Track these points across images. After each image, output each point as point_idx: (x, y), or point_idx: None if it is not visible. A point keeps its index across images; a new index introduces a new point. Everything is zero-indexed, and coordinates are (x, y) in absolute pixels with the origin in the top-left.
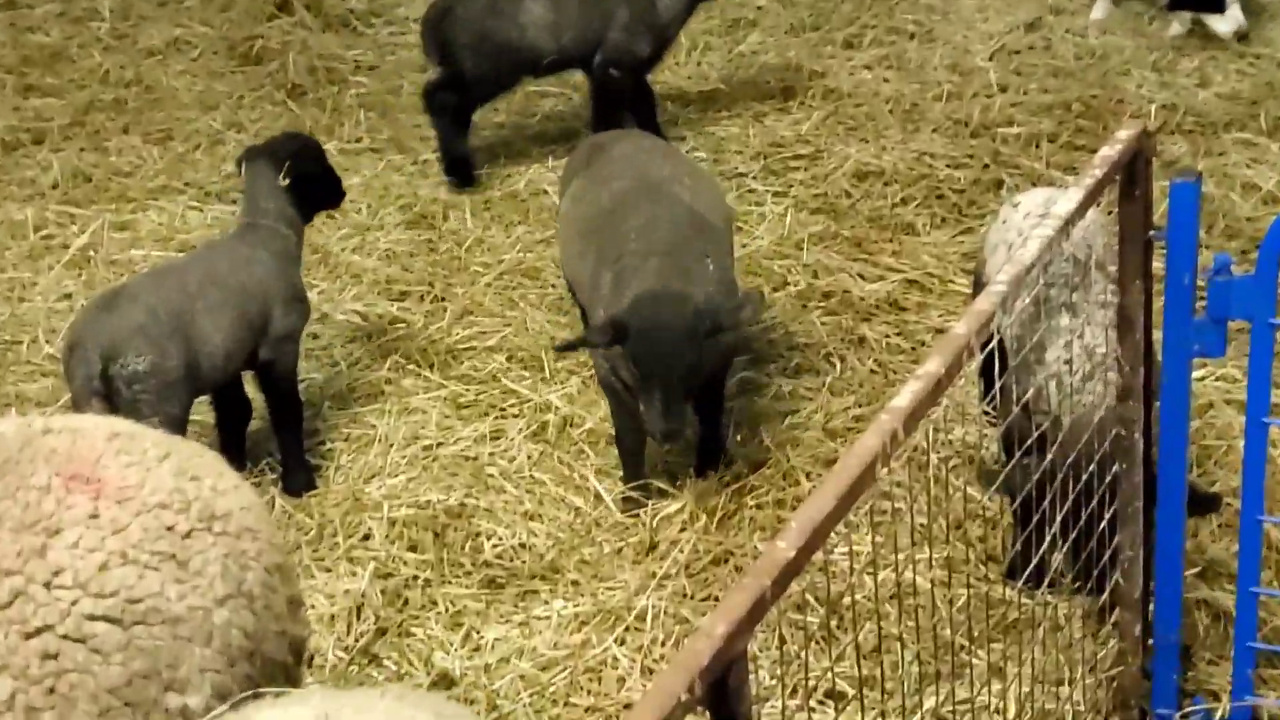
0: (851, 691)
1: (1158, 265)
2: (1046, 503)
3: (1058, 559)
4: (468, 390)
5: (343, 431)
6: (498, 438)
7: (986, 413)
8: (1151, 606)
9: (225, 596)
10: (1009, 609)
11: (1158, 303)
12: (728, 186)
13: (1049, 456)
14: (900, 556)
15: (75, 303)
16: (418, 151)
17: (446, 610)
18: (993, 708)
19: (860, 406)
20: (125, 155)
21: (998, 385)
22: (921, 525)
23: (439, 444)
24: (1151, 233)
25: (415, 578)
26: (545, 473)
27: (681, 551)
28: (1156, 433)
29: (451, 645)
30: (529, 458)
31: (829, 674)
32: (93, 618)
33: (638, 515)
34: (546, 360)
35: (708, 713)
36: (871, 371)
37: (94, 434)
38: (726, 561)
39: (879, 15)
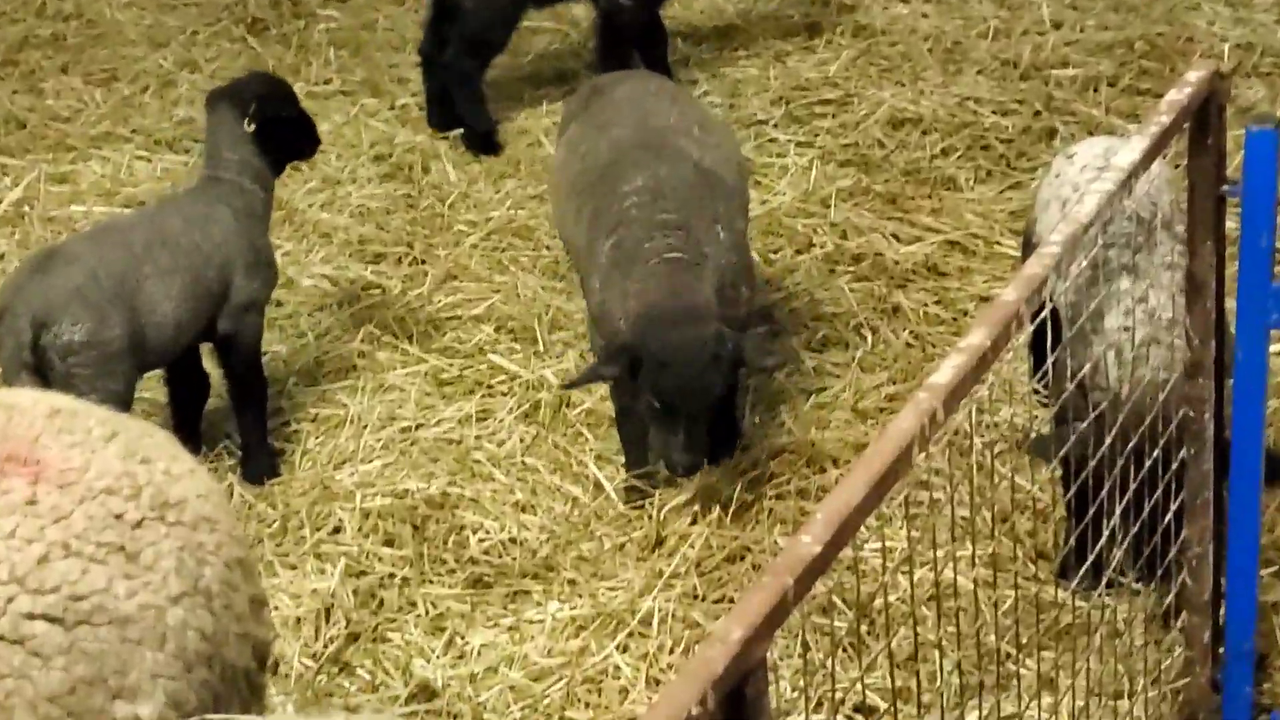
0: (884, 705)
1: (1231, 224)
2: (1104, 492)
3: (1117, 556)
4: (451, 365)
5: (310, 411)
6: (485, 419)
7: (1037, 391)
8: (1223, 610)
9: (180, 594)
10: (1061, 612)
11: (1231, 267)
12: (745, 135)
13: (1107, 440)
14: (939, 553)
15: (7, 265)
16: (394, 94)
17: (427, 613)
18: None
19: (894, 384)
20: (64, 98)
21: (1050, 360)
22: (963, 518)
23: (418, 425)
24: (1225, 188)
25: (391, 576)
26: (538, 458)
27: (692, 547)
28: (1229, 414)
29: (433, 652)
30: (520, 441)
31: (858, 685)
32: (31, 616)
33: (643, 507)
34: (540, 331)
35: None
36: (907, 345)
37: (32, 410)
38: (743, 559)
39: None
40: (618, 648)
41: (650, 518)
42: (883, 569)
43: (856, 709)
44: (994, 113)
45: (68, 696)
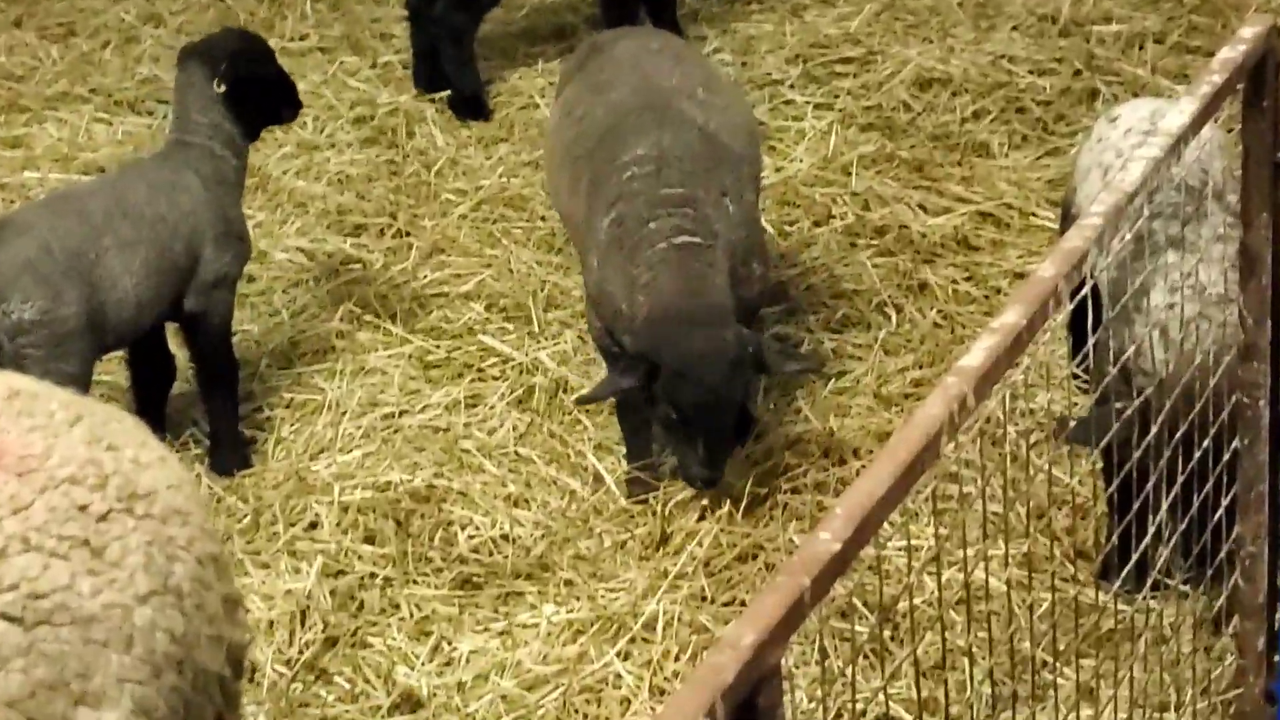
0: (909, 717)
1: None
2: (1149, 485)
3: (1163, 555)
4: (437, 346)
5: (284, 397)
6: (474, 405)
7: (1077, 375)
8: (1279, 615)
9: (149, 592)
10: (1102, 617)
11: None
12: (758, 97)
13: (1153, 429)
14: (969, 552)
15: None
16: (376, 51)
17: (411, 616)
18: None
19: (921, 368)
20: (17, 55)
21: (1090, 341)
22: (995, 514)
23: (402, 412)
24: None
25: (373, 576)
26: (533, 448)
27: (700, 545)
28: None
29: (417, 659)
30: (513, 429)
31: (880, 696)
32: None
33: (646, 501)
34: (534, 310)
35: None
36: (935, 325)
37: None
38: (755, 558)
39: None
40: (619, 654)
41: (654, 513)
42: (908, 569)
43: None
44: (1030, 72)
45: (26, 701)
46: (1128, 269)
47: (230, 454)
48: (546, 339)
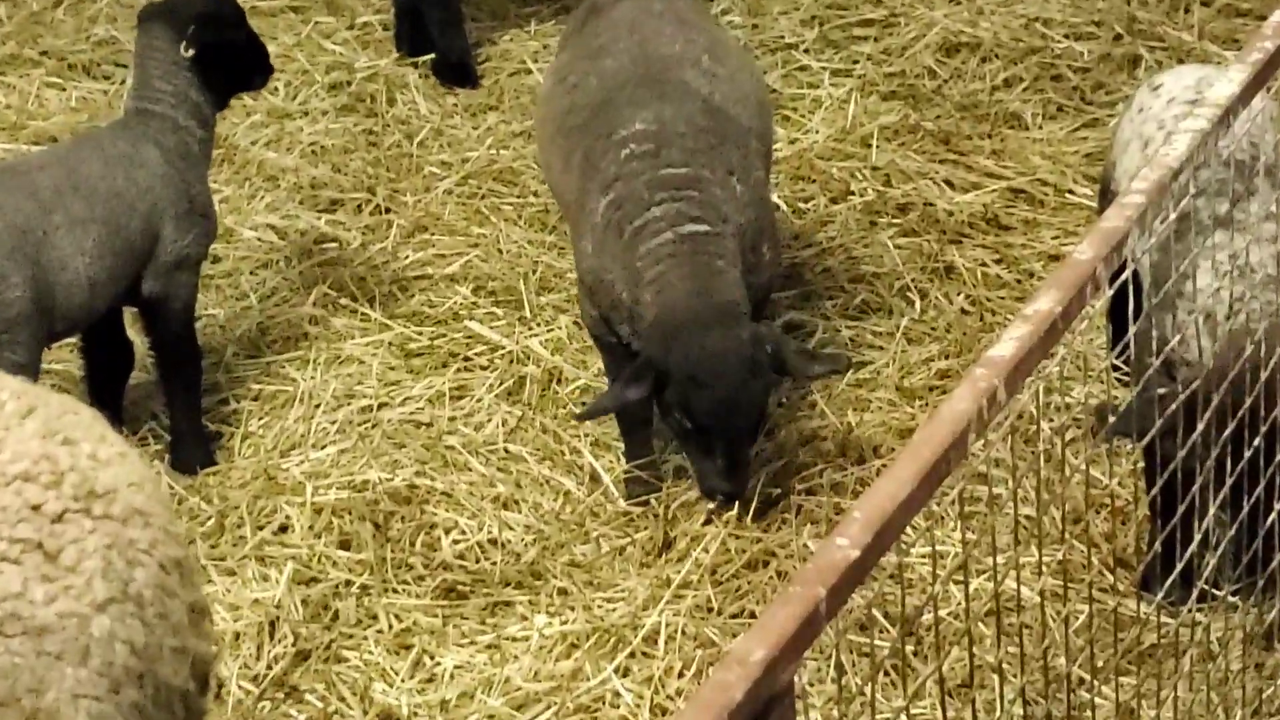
0: None
1: None
2: (1195, 487)
3: (1210, 563)
4: (420, 333)
5: (252, 388)
6: (460, 397)
7: (1117, 367)
8: None
9: (107, 600)
10: (1144, 631)
11: None
12: (770, 62)
13: (1199, 426)
14: (999, 560)
15: None
16: (354, 11)
17: (390, 628)
18: None
19: (947, 358)
20: None
21: (1131, 329)
22: (1028, 518)
23: (381, 405)
24: None
25: (348, 584)
26: (523, 445)
27: (706, 551)
28: None
29: (396, 675)
30: (502, 424)
31: (903, 716)
32: None
33: (647, 503)
34: (525, 294)
35: None
36: (963, 311)
37: None
38: (766, 565)
39: None
40: (617, 670)
41: (656, 516)
42: (932, 578)
43: None
44: (1066, 36)
45: None
46: (1171, 251)
47: (193, 450)
48: (539, 325)
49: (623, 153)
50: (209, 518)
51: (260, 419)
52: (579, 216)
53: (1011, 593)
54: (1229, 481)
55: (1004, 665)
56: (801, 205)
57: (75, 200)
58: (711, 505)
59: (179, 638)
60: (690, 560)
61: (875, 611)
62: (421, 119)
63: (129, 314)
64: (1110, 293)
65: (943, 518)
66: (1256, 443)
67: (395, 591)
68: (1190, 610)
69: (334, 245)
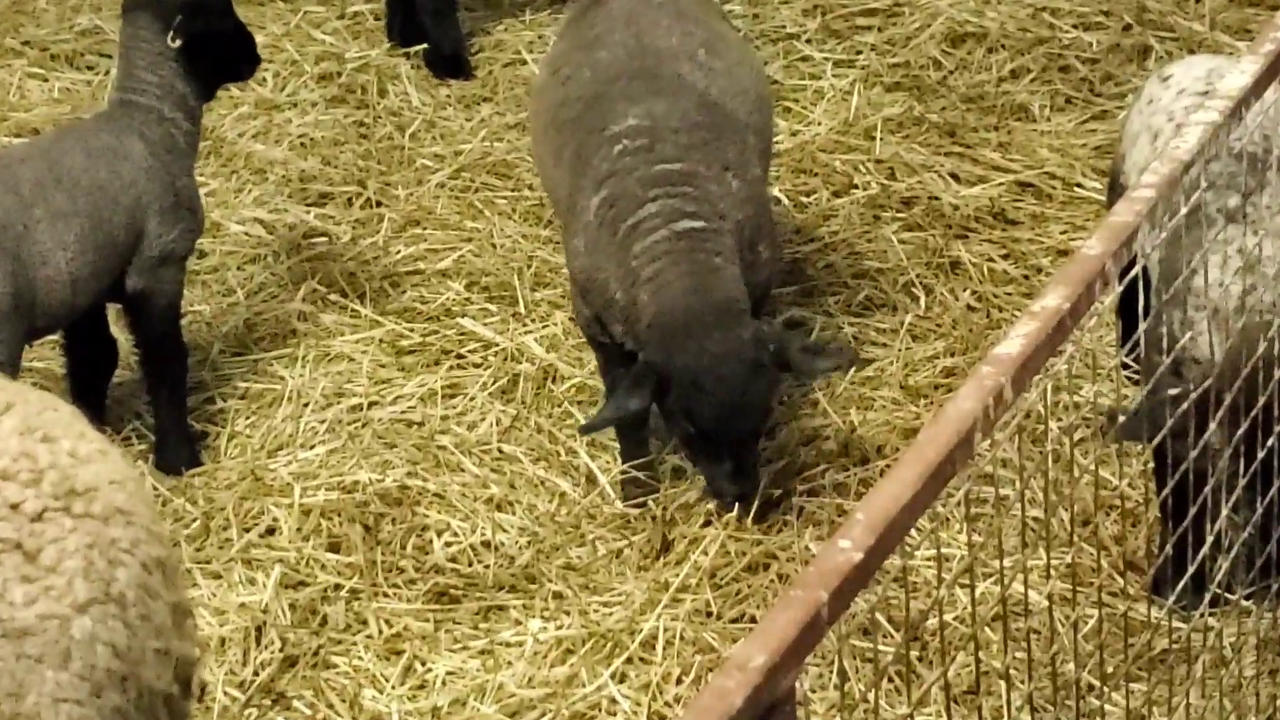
0: None
1: None
2: (1208, 488)
3: (1223, 567)
4: (411, 330)
5: (239, 386)
6: (453, 396)
7: (1127, 365)
8: None
9: (88, 601)
10: (1155, 636)
11: None
12: (771, 53)
13: (1210, 425)
14: (1006, 563)
15: None
16: (344, 0)
17: (380, 633)
18: None
19: (952, 356)
20: None
21: (1141, 327)
22: (1036, 520)
23: (371, 404)
24: None
25: (337, 588)
26: (518, 445)
27: (705, 554)
28: None
29: (387, 681)
30: (496, 424)
31: None
32: None
33: (644, 504)
34: (520, 289)
35: None
36: (969, 308)
37: None
38: (766, 568)
39: None
40: (614, 676)
41: (654, 518)
42: (937, 581)
43: None
44: (1074, 26)
45: None
46: (1180, 246)
47: (178, 450)
48: (533, 322)
49: (615, 148)
50: (194, 519)
51: (247, 418)
52: (571, 213)
53: (1019, 596)
54: (1242, 482)
55: (1011, 671)
56: (803, 199)
57: (57, 193)
58: (711, 506)
59: (162, 639)
60: (689, 563)
61: (879, 616)
62: (413, 110)
63: (113, 310)
64: (1120, 289)
65: (948, 519)
66: (1270, 442)
67: (386, 595)
68: (1202, 615)
69: (324, 240)
